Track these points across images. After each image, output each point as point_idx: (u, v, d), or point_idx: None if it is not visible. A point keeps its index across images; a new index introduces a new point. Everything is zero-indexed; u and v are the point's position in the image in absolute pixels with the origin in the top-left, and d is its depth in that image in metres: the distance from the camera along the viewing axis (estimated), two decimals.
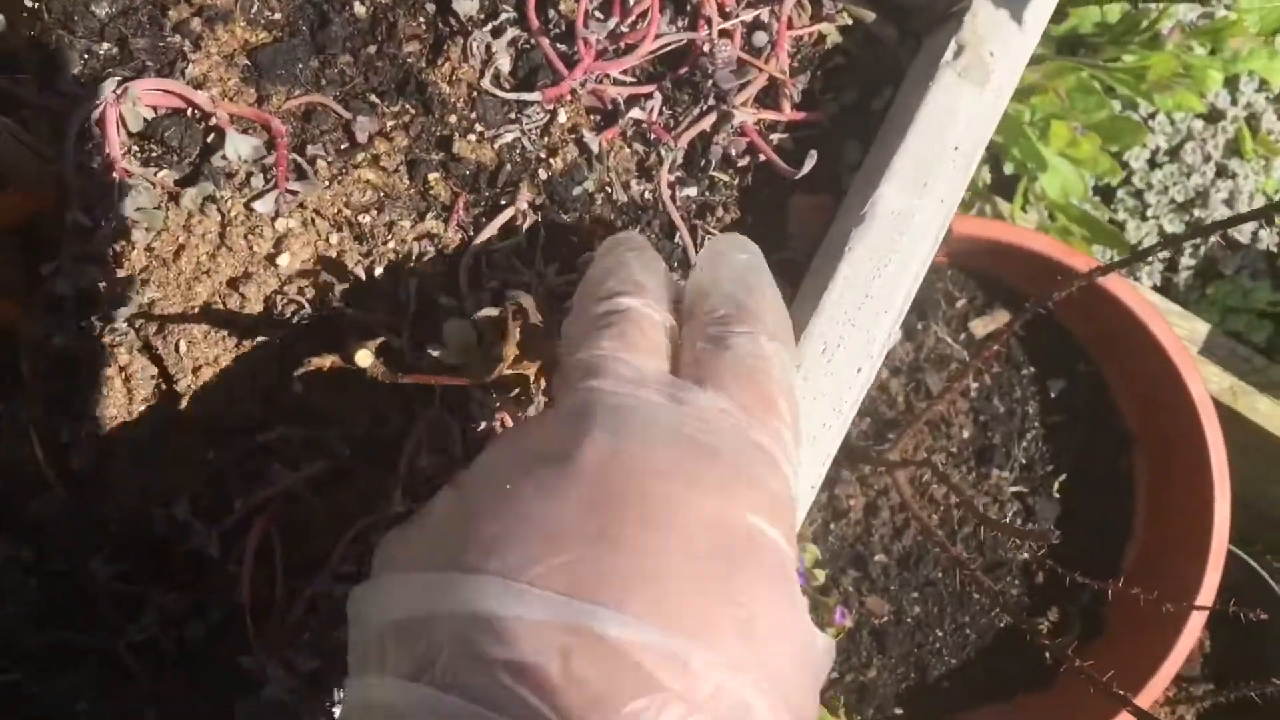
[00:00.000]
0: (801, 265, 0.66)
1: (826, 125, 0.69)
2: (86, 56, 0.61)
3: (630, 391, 0.46)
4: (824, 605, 0.94)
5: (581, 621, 0.37)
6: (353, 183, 0.63)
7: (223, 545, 0.61)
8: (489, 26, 0.65)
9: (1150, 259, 1.23)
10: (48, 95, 0.61)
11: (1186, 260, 1.23)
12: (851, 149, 0.69)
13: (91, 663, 0.61)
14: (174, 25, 0.63)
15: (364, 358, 0.53)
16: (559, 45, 0.66)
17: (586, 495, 0.40)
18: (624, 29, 0.66)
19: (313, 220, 0.63)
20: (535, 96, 0.65)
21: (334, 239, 0.63)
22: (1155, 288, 1.22)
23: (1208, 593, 0.94)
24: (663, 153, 0.67)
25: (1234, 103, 1.22)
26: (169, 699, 0.62)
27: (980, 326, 1.02)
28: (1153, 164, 1.22)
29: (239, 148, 0.61)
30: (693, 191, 0.67)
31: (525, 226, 0.65)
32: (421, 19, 0.66)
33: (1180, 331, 1.08)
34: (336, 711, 0.61)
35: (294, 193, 0.62)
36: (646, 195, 0.67)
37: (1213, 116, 1.22)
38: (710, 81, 0.66)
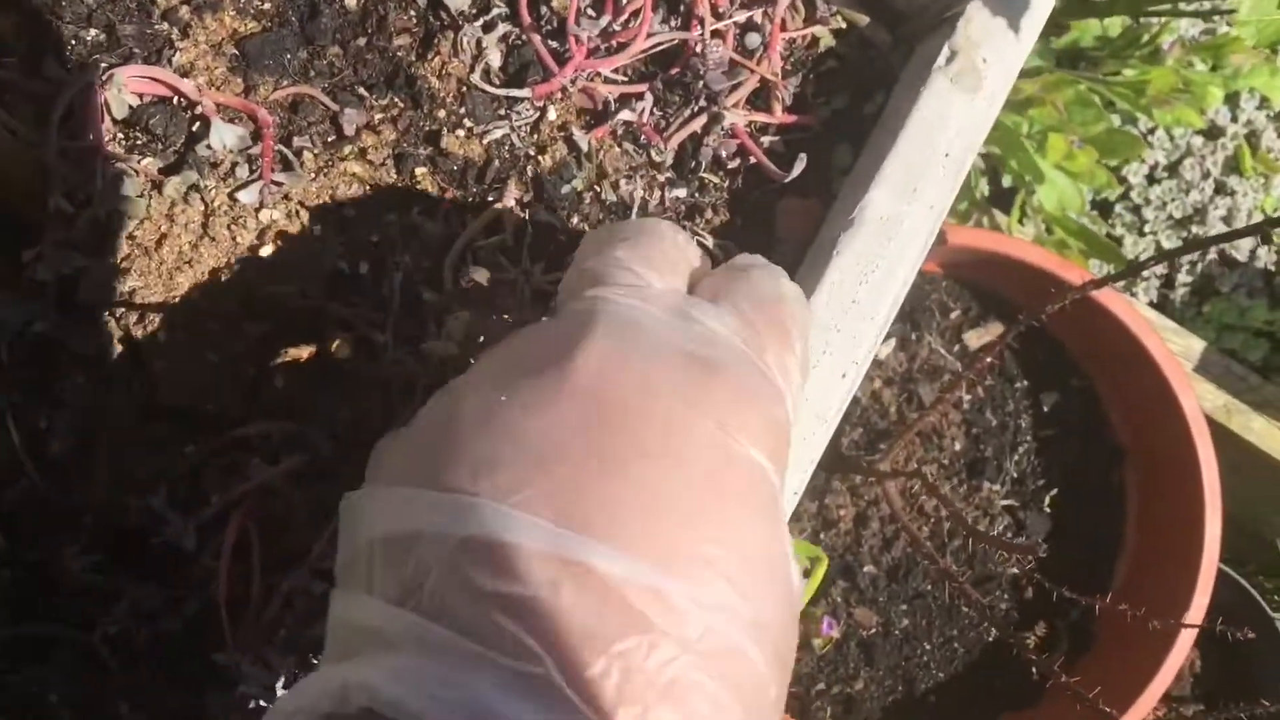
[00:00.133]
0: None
1: (818, 129, 0.69)
2: (73, 42, 0.61)
3: (636, 303, 0.44)
4: (812, 615, 0.93)
5: (571, 553, 0.36)
6: (339, 175, 0.63)
7: (200, 539, 0.61)
8: (480, 21, 0.65)
9: (1146, 275, 1.22)
10: (32, 80, 0.60)
11: (1183, 277, 1.22)
12: (842, 153, 0.68)
13: (64, 654, 0.60)
14: (162, 13, 0.63)
15: (341, 350, 0.53)
16: (550, 42, 0.66)
17: (580, 412, 0.39)
18: (616, 27, 0.66)
19: (297, 212, 0.62)
20: (525, 93, 0.65)
21: (318, 232, 0.62)
22: (1151, 304, 1.22)
23: (1197, 611, 0.94)
24: (653, 154, 0.66)
25: (1234, 119, 1.21)
26: (142, 692, 0.61)
27: (974, 338, 1.01)
28: (1151, 179, 1.21)
29: (224, 137, 0.61)
30: (682, 193, 0.67)
31: (512, 224, 0.64)
32: (412, 12, 0.65)
33: (1175, 348, 1.07)
34: None
35: (279, 184, 0.61)
36: (636, 195, 0.66)
37: (1212, 133, 1.22)
38: (702, 82, 0.66)
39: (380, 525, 0.40)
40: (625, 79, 0.67)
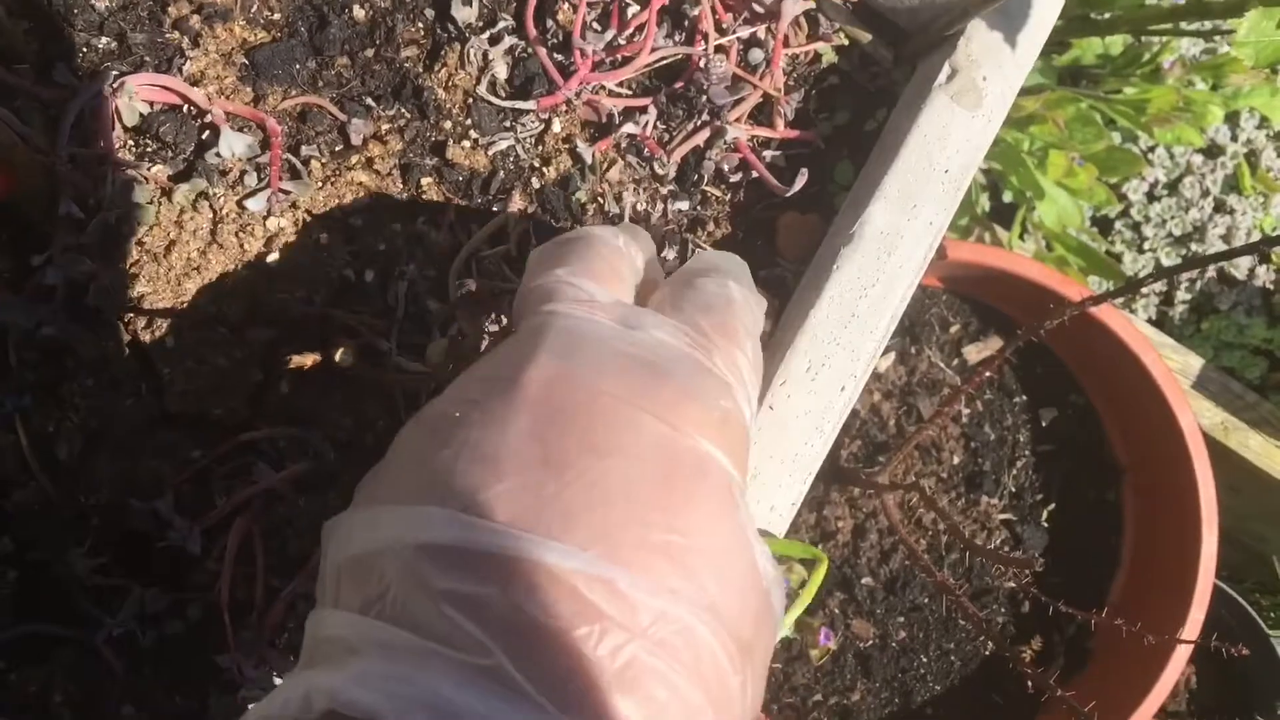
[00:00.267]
0: (789, 283, 0.66)
1: (819, 144, 0.69)
2: (85, 49, 0.62)
3: (584, 314, 0.46)
4: (809, 626, 0.94)
5: (522, 550, 0.37)
6: (345, 184, 0.63)
7: (204, 542, 0.61)
8: (487, 34, 0.66)
9: (1145, 292, 1.23)
10: (43, 86, 0.61)
11: (1182, 294, 1.23)
12: (843, 169, 0.69)
13: (68, 655, 0.61)
14: (173, 22, 0.63)
15: (346, 357, 0.54)
16: (556, 55, 0.66)
17: (531, 420, 0.41)
18: (621, 41, 0.67)
19: (304, 220, 0.63)
20: (530, 105, 0.65)
21: (325, 240, 0.63)
22: (1150, 321, 1.22)
23: (1193, 627, 0.94)
24: (656, 167, 0.67)
25: (1234, 138, 1.22)
26: (145, 694, 0.62)
27: (974, 352, 1.02)
28: (1151, 197, 1.22)
29: (233, 145, 0.62)
30: (684, 205, 0.67)
31: (516, 234, 0.65)
32: (420, 24, 0.66)
33: (1173, 365, 1.08)
34: None
35: (287, 192, 0.62)
36: (639, 207, 0.67)
37: (1212, 151, 1.22)
38: (705, 96, 0.67)
39: (349, 547, 0.41)
40: (629, 92, 0.68)
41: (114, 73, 0.61)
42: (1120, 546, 1.04)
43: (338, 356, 0.57)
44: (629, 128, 0.66)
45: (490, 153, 0.65)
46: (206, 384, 0.61)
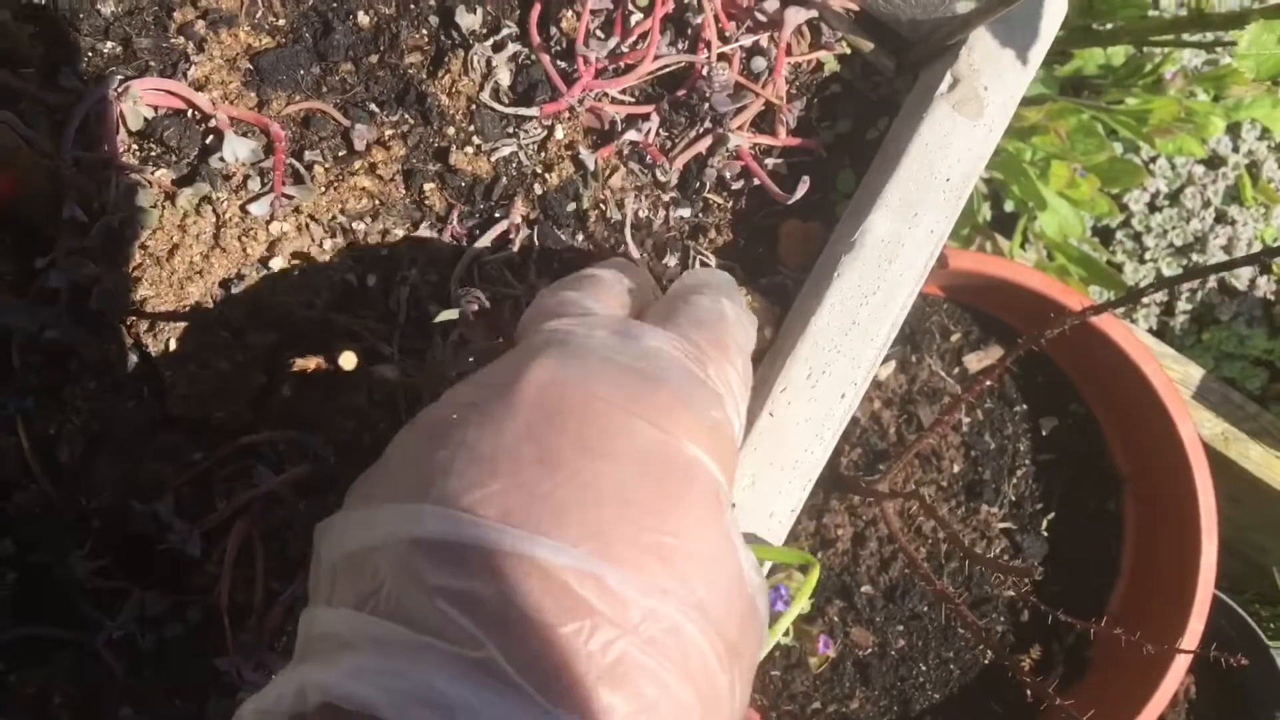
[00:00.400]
0: (791, 290, 0.67)
1: (821, 153, 0.69)
2: (90, 54, 0.62)
3: (580, 329, 0.47)
4: (808, 634, 0.94)
5: (514, 546, 0.38)
6: (348, 189, 0.64)
7: (205, 545, 0.61)
8: (490, 41, 0.66)
9: (1146, 302, 1.23)
10: (49, 90, 0.61)
11: (1183, 305, 1.23)
12: (845, 177, 0.69)
13: (68, 657, 0.61)
14: (178, 27, 0.64)
15: (348, 361, 0.54)
16: (559, 62, 0.67)
17: (525, 421, 0.41)
18: (624, 49, 0.67)
19: (307, 225, 0.63)
20: (533, 112, 0.66)
21: (327, 244, 0.63)
22: (1151, 331, 1.22)
23: (1192, 637, 0.94)
24: (658, 174, 0.67)
25: (1235, 149, 1.22)
26: (144, 697, 0.62)
27: (974, 361, 1.02)
28: (1152, 207, 1.22)
29: (237, 150, 0.62)
30: (686, 212, 0.68)
31: (519, 240, 0.65)
32: (424, 31, 0.66)
33: (1174, 375, 1.08)
34: None
35: (290, 197, 0.62)
36: (641, 214, 0.67)
37: (1214, 162, 1.23)
38: (707, 104, 0.67)
39: (343, 545, 0.42)
40: (632, 100, 0.68)
41: (119, 77, 0.61)
42: (1120, 556, 1.04)
43: (340, 361, 0.57)
44: (631, 135, 0.67)
45: (493, 159, 0.66)
46: (208, 387, 0.61)
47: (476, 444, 0.41)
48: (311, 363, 0.57)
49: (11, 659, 0.61)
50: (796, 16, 0.67)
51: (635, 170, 0.67)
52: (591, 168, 0.66)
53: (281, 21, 0.65)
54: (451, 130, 0.65)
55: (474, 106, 0.66)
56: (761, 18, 0.68)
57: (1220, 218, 1.22)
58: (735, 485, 0.59)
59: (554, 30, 0.67)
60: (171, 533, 0.61)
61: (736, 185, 0.68)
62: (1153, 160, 1.21)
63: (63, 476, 0.61)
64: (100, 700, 0.61)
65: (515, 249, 0.65)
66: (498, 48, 0.66)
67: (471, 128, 0.66)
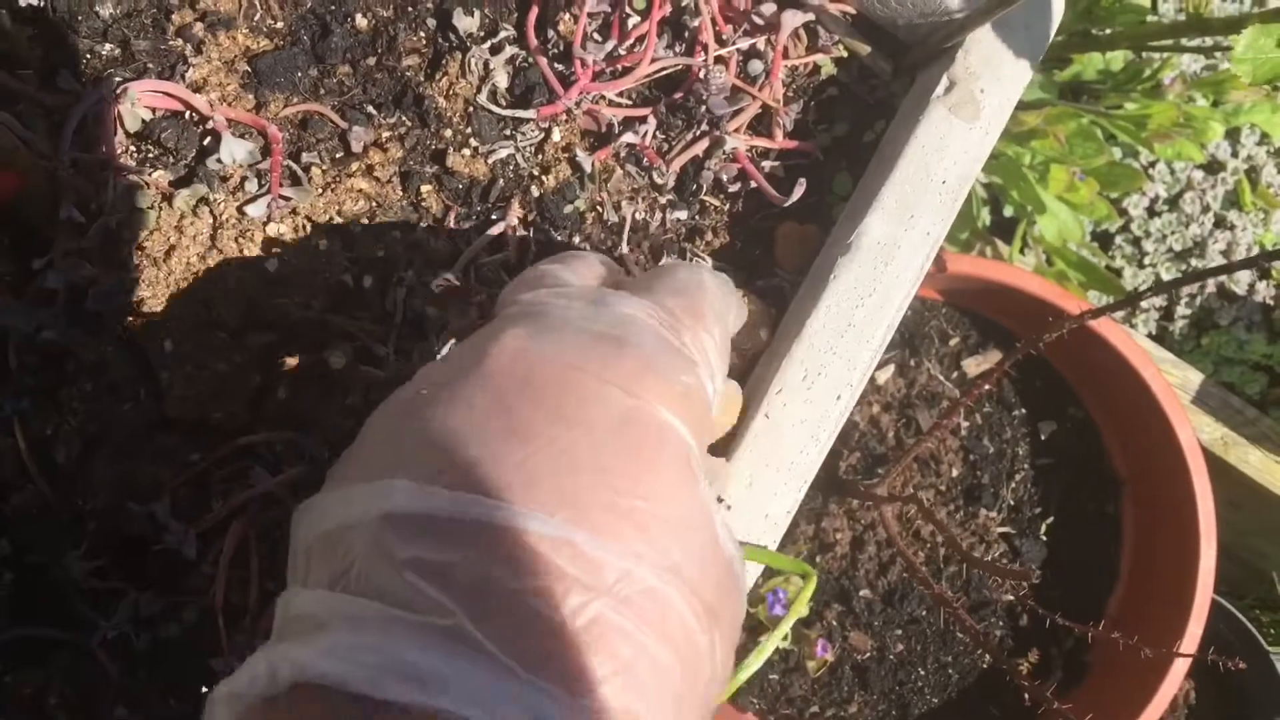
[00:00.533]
0: (787, 293, 0.67)
1: (818, 155, 0.70)
2: (88, 56, 0.62)
3: (552, 299, 0.47)
4: (806, 638, 0.94)
5: (485, 515, 0.38)
6: (345, 191, 0.64)
7: (200, 546, 0.61)
8: (488, 44, 0.66)
9: (1145, 306, 1.23)
10: (47, 92, 0.62)
11: (1182, 309, 1.23)
12: (841, 180, 0.69)
13: (63, 658, 0.61)
14: (177, 29, 0.64)
15: (338, 360, 0.54)
16: (557, 65, 0.67)
17: (496, 393, 0.41)
18: (621, 52, 0.67)
19: (304, 226, 0.63)
20: (530, 114, 0.66)
21: (324, 246, 0.63)
22: (1150, 335, 1.22)
23: (1190, 642, 0.94)
24: (655, 176, 0.67)
25: (1234, 154, 1.22)
26: (140, 697, 0.62)
27: (973, 365, 1.02)
28: (1151, 212, 1.22)
29: (234, 152, 0.62)
30: (683, 215, 0.68)
31: (515, 242, 0.65)
32: (422, 33, 0.67)
33: (1173, 380, 1.08)
34: None
35: (287, 198, 0.62)
36: (637, 216, 0.67)
37: (1213, 167, 1.22)
38: (704, 107, 0.67)
39: (317, 526, 0.42)
40: (629, 102, 0.68)
41: (117, 79, 0.62)
42: (1119, 560, 1.04)
43: (336, 360, 0.57)
44: (628, 137, 0.67)
45: (490, 161, 0.66)
46: (205, 388, 0.61)
47: (447, 418, 0.41)
48: (308, 363, 0.58)
49: (8, 659, 0.61)
50: (793, 20, 0.67)
51: (632, 173, 0.67)
52: (588, 170, 0.66)
53: (279, 24, 0.66)
54: (449, 132, 0.66)
55: (471, 109, 0.66)
56: (758, 21, 0.68)
57: (1219, 223, 1.22)
58: (731, 486, 0.59)
59: (551, 33, 0.67)
60: (168, 534, 0.61)
61: (733, 188, 0.68)
62: (1152, 165, 1.21)
63: (59, 478, 0.61)
64: (96, 701, 0.61)
65: (512, 251, 0.65)
66: (495, 50, 0.66)
67: (469, 130, 0.66)
